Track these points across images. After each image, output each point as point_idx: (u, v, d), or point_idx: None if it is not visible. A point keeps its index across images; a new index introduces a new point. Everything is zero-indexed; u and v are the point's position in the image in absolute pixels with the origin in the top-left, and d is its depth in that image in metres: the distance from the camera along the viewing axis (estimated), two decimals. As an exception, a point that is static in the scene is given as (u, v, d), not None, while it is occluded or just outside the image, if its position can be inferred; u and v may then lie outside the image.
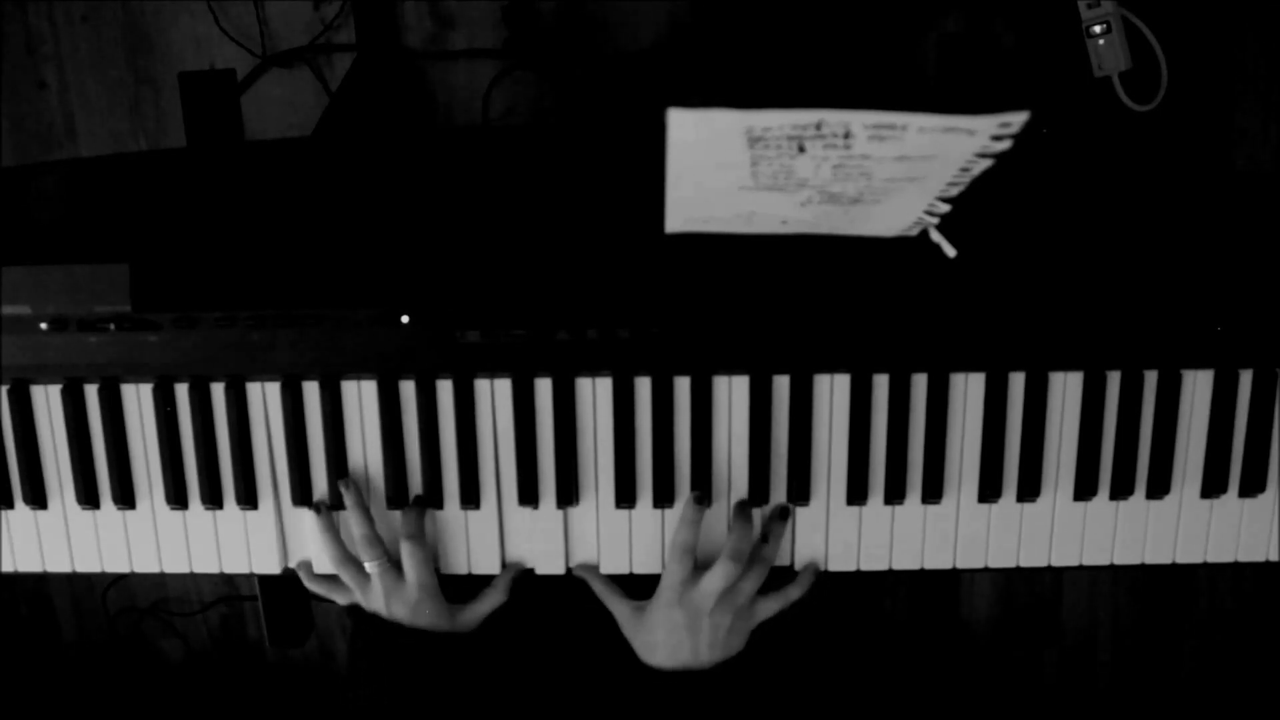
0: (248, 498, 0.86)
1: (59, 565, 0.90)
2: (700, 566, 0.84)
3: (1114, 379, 0.85)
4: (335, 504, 0.86)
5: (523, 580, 0.88)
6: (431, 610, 0.84)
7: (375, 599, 0.85)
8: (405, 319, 0.81)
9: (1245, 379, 0.85)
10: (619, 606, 0.86)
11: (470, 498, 0.86)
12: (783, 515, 0.86)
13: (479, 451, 0.85)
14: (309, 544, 0.88)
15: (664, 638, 0.83)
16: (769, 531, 0.85)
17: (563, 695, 0.92)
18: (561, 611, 0.96)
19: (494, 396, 0.85)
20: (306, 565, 0.88)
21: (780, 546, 0.86)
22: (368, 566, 0.84)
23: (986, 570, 0.88)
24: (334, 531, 0.86)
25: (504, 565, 0.88)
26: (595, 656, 0.91)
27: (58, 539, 0.89)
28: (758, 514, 0.86)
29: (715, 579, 0.82)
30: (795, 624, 0.91)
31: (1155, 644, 1.71)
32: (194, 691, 1.76)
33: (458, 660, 0.85)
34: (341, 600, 0.88)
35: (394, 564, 0.85)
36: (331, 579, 0.88)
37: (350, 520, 0.85)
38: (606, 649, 0.87)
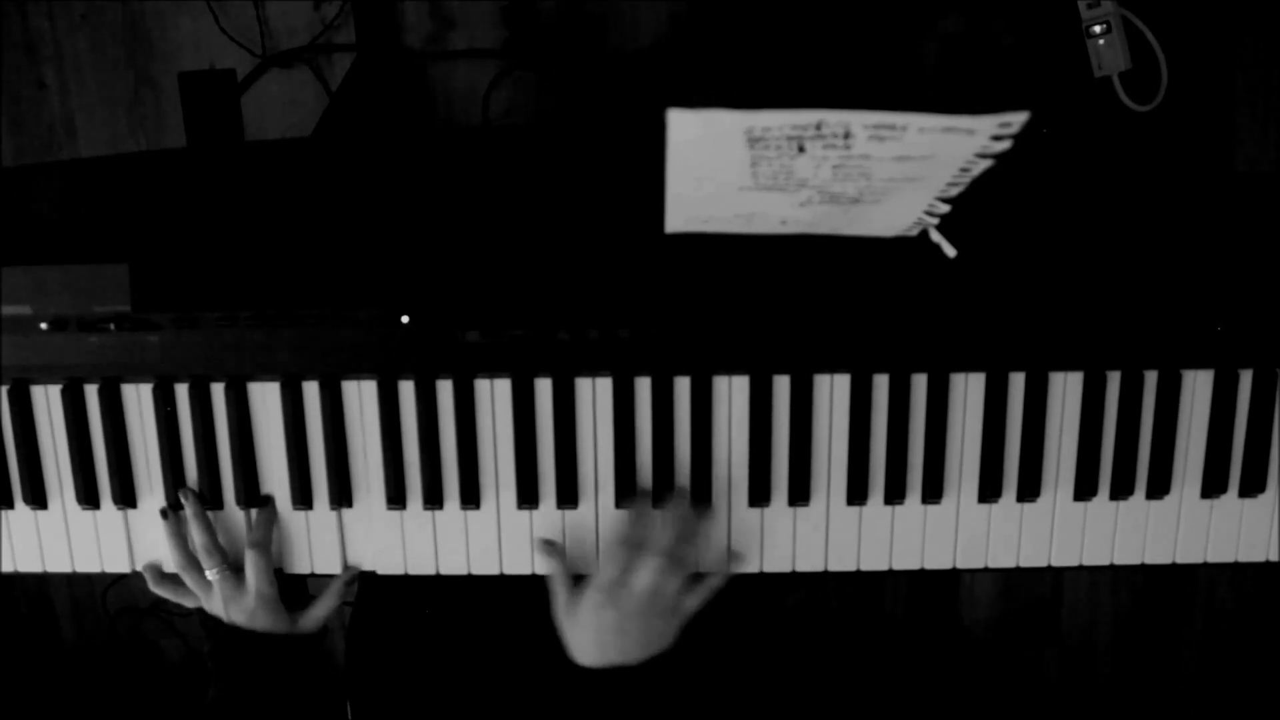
0: (248, 498, 0.86)
1: (59, 565, 0.90)
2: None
3: (1114, 379, 0.85)
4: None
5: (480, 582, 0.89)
6: (266, 617, 0.85)
7: (215, 604, 0.86)
8: (405, 319, 0.81)
9: (1245, 379, 0.85)
10: (561, 592, 0.85)
11: (471, 497, 0.86)
12: (702, 514, 0.85)
13: (479, 451, 0.85)
14: (159, 547, 0.88)
15: (594, 637, 0.82)
16: (684, 531, 0.84)
17: (502, 696, 0.92)
18: (509, 613, 0.96)
19: (494, 396, 0.85)
20: (153, 567, 0.89)
21: (696, 544, 0.84)
22: (208, 574, 0.85)
23: (986, 570, 0.88)
24: (180, 537, 0.86)
25: (502, 567, 0.88)
26: (534, 656, 0.90)
27: (58, 539, 0.89)
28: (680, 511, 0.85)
29: (644, 577, 0.81)
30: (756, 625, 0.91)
31: (1155, 644, 1.71)
32: (194, 691, 1.76)
33: (299, 660, 0.86)
34: (188, 603, 0.89)
35: (236, 570, 0.86)
36: (178, 581, 0.88)
37: (191, 529, 0.86)
38: (544, 648, 0.87)
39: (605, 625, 0.81)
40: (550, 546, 0.87)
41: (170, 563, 0.87)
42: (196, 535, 0.85)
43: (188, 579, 0.86)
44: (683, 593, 0.83)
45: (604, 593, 0.81)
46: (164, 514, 0.86)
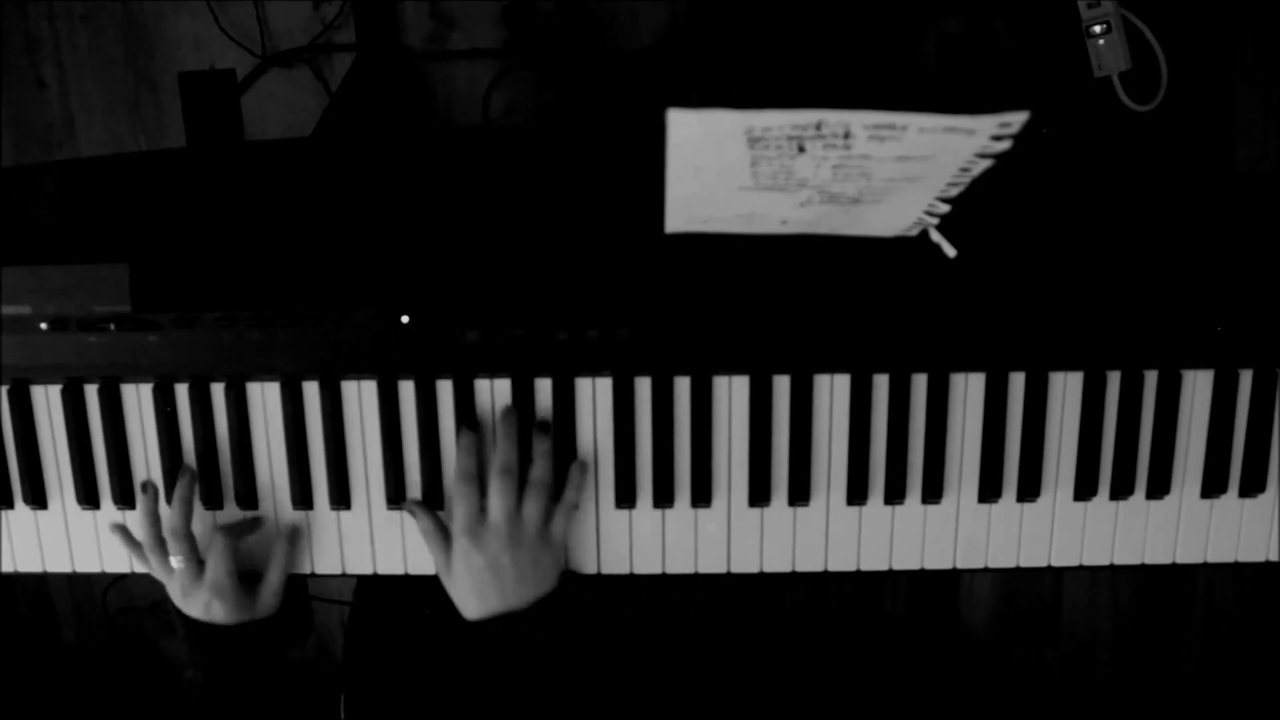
0: (247, 499, 0.86)
1: (59, 565, 0.90)
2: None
3: (1114, 379, 0.85)
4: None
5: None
6: (222, 609, 0.83)
7: (174, 592, 0.85)
8: (405, 319, 0.81)
9: (1245, 379, 0.85)
10: (435, 551, 0.83)
11: (470, 498, 0.86)
12: (543, 429, 0.83)
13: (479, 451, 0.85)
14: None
15: (471, 586, 0.80)
16: (534, 451, 0.83)
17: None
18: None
19: (494, 396, 0.85)
20: (124, 528, 0.86)
21: (549, 462, 0.83)
22: (172, 560, 0.83)
23: (986, 570, 0.88)
24: (154, 515, 0.84)
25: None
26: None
27: (58, 539, 0.89)
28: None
29: (496, 504, 0.80)
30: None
31: (1155, 644, 1.71)
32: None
33: (260, 645, 0.85)
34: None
35: (200, 563, 0.84)
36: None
37: (171, 508, 0.84)
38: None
39: (477, 569, 0.80)
40: (418, 506, 0.84)
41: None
42: (170, 517, 0.83)
43: (152, 559, 0.84)
44: (547, 518, 0.82)
45: (466, 535, 0.80)
46: (144, 488, 0.85)
